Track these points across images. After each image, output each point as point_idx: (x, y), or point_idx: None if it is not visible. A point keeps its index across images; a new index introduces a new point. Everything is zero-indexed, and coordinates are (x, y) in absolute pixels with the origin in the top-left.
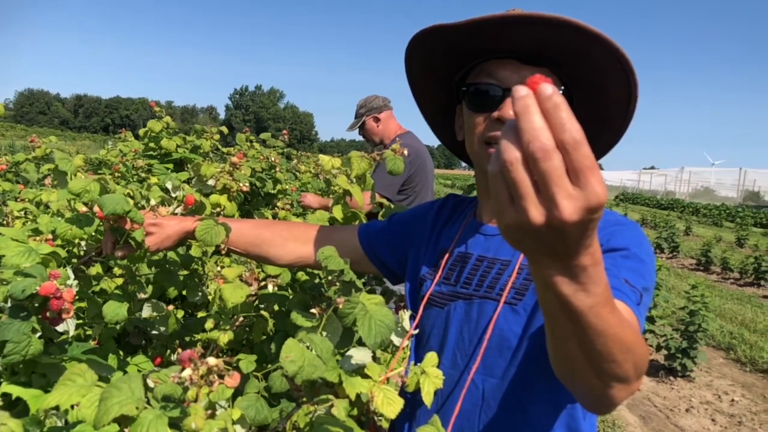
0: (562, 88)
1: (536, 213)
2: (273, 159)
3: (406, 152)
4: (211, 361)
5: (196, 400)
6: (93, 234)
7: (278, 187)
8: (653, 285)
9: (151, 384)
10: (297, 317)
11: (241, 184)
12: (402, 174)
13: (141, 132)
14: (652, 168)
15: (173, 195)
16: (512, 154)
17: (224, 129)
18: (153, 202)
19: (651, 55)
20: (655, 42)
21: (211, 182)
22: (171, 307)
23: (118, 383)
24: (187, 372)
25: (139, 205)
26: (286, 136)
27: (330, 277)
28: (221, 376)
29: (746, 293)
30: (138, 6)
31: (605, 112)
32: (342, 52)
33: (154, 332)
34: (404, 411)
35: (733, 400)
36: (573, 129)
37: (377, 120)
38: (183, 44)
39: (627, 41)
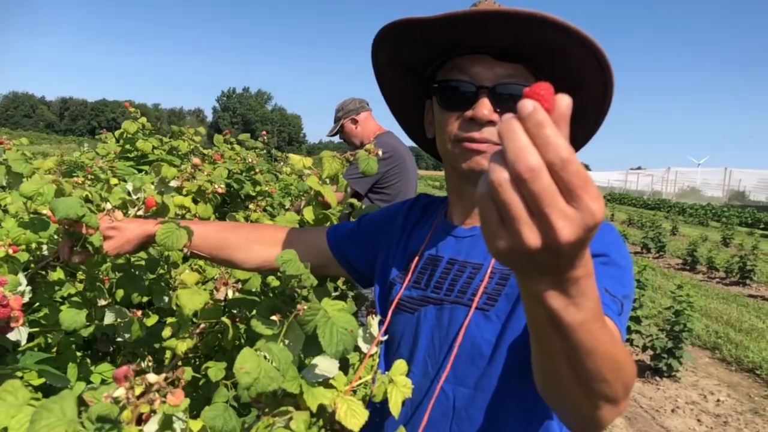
0: None
1: (531, 236)
2: (251, 160)
3: (380, 152)
4: (151, 377)
5: (131, 422)
6: (55, 237)
7: (258, 188)
8: (633, 291)
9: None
10: (257, 324)
11: (216, 186)
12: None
13: (116, 134)
14: (639, 168)
15: (134, 197)
16: (500, 174)
17: (202, 129)
18: (109, 205)
19: (637, 56)
20: (640, 43)
21: (173, 184)
22: (139, 313)
23: (49, 403)
24: (121, 391)
25: (99, 207)
26: (265, 137)
27: (291, 283)
28: (163, 394)
29: (732, 292)
30: (123, 8)
31: (581, 110)
32: (331, 54)
33: (118, 339)
34: (373, 421)
35: (718, 400)
36: (559, 146)
37: (355, 122)
38: (170, 46)
39: (611, 41)
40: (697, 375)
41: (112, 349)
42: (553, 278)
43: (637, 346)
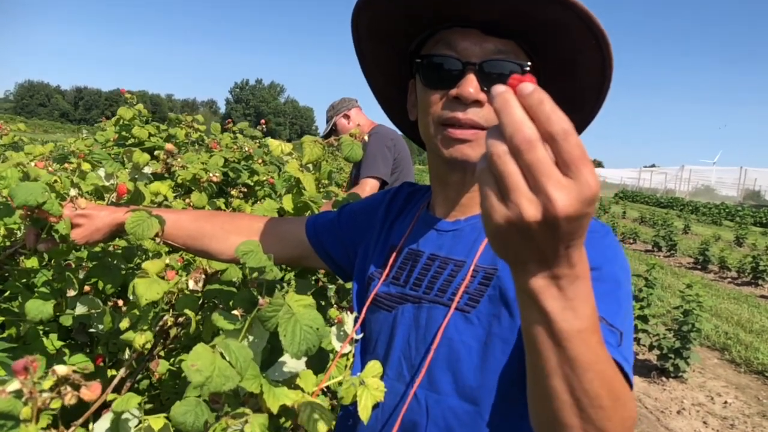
0: (529, 64)
1: (529, 206)
2: (247, 149)
3: (366, 138)
4: (61, 370)
5: (32, 419)
6: (27, 224)
7: (255, 178)
8: (631, 308)
9: None
10: (218, 318)
11: (211, 174)
12: (389, 157)
13: (112, 120)
14: (653, 166)
15: (107, 183)
16: (498, 147)
17: (200, 117)
18: (73, 192)
19: (652, 54)
20: (655, 40)
21: (147, 170)
22: (121, 302)
23: None
24: (15, 384)
25: (70, 195)
26: (264, 125)
27: (256, 275)
28: (76, 387)
29: (743, 293)
30: None
31: (576, 93)
32: (345, 46)
33: (91, 330)
34: (345, 424)
35: (726, 402)
36: (560, 119)
37: (347, 117)
38: (184, 37)
39: (626, 38)
40: (704, 376)
41: (89, 340)
42: (550, 272)
43: (643, 345)
